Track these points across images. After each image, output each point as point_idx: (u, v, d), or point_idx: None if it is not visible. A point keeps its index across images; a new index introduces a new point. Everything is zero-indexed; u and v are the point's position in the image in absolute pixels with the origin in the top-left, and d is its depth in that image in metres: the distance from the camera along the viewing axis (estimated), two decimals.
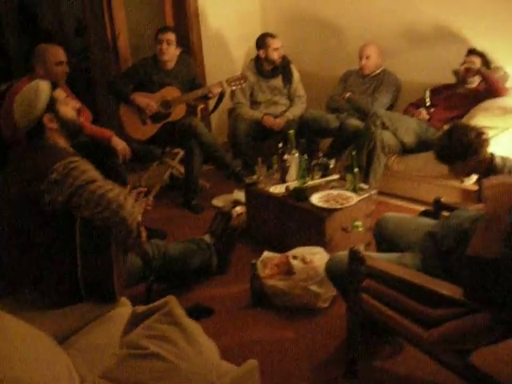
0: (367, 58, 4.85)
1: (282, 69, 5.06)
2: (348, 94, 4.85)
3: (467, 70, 4.33)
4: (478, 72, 4.26)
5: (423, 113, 4.43)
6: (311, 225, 3.49)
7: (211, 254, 3.44)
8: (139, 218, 2.41)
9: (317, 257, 3.11)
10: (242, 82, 4.62)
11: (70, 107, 2.55)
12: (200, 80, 4.86)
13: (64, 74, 4.00)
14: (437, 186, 4.20)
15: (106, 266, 2.40)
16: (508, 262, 1.90)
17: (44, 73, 3.87)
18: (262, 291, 3.17)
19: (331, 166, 3.73)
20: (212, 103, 5.05)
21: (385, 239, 2.82)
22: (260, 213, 3.87)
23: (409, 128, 4.30)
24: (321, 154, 3.84)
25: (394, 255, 2.54)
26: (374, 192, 3.64)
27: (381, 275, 2.33)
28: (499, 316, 1.98)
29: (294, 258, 3.15)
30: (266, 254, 3.31)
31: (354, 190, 3.54)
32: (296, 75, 5.13)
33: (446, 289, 2.10)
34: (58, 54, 3.97)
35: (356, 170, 3.53)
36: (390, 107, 4.88)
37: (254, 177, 3.90)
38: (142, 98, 4.52)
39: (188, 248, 3.33)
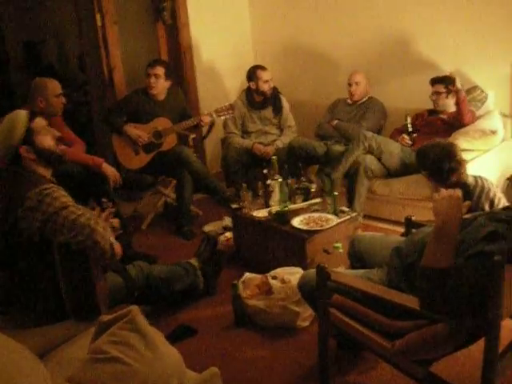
0: (356, 84, 5.01)
1: (272, 100, 5.23)
2: (335, 122, 4.99)
3: (434, 101, 4.50)
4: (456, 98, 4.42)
5: (406, 138, 4.56)
6: (293, 247, 3.59)
7: (197, 277, 3.53)
8: (112, 238, 2.53)
9: (295, 276, 3.19)
10: (230, 111, 4.77)
11: (48, 136, 2.67)
12: (190, 111, 5.01)
13: (62, 105, 4.21)
14: (421, 208, 4.28)
15: (88, 284, 2.54)
16: (458, 271, 1.99)
17: (45, 105, 4.10)
18: (244, 311, 3.26)
19: (312, 190, 3.83)
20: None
21: (357, 258, 2.92)
22: (246, 236, 3.98)
23: (393, 152, 4.43)
24: (303, 179, 3.94)
25: (361, 271, 2.63)
26: (354, 214, 3.73)
27: (345, 289, 2.42)
28: (456, 325, 2.06)
29: (274, 278, 3.25)
30: (247, 274, 3.41)
31: (335, 213, 3.64)
32: (286, 106, 5.28)
33: (404, 300, 2.19)
34: (56, 87, 4.20)
35: (335, 193, 3.64)
36: (377, 134, 5.01)
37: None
38: (133, 130, 4.67)
39: (173, 271, 3.42)
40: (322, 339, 2.59)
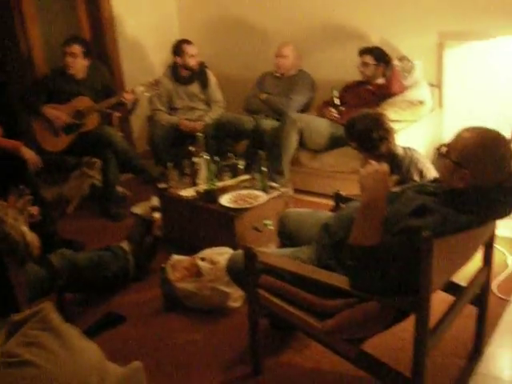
0: (284, 57, 4.92)
1: (199, 75, 5.08)
2: (264, 96, 4.90)
3: (362, 72, 4.47)
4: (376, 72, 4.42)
5: (333, 112, 4.50)
6: (222, 226, 3.50)
7: (127, 261, 3.41)
8: (25, 228, 2.38)
9: (224, 257, 3.10)
10: (155, 87, 4.60)
11: None
12: (114, 88, 4.81)
13: None
14: (351, 180, 4.21)
15: (4, 280, 2.38)
16: (386, 248, 1.94)
17: None
18: (174, 295, 3.16)
19: (240, 167, 3.74)
20: None
21: (287, 235, 2.85)
22: (174, 217, 3.86)
23: (321, 130, 4.40)
24: (232, 155, 3.84)
25: (289, 250, 2.57)
26: (284, 190, 3.67)
27: (274, 270, 2.36)
28: (387, 303, 2.02)
29: (202, 259, 3.16)
30: (175, 257, 3.30)
31: (264, 189, 3.56)
32: (213, 80, 5.15)
33: (333, 279, 2.14)
34: None
35: (264, 169, 3.55)
36: (306, 107, 4.95)
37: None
38: (51, 110, 4.46)
39: (101, 256, 3.28)
40: (252, 321, 2.52)
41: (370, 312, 2.08)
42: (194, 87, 5.07)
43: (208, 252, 3.22)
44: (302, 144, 4.46)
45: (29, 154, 3.94)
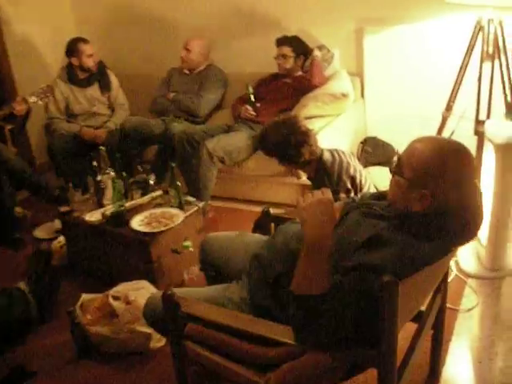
0: (187, 50, 4.49)
1: (99, 76, 4.59)
2: (172, 95, 4.46)
3: (280, 65, 4.13)
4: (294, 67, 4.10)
5: (249, 109, 4.12)
6: (135, 252, 3.08)
7: (28, 304, 2.92)
8: None
9: (141, 293, 2.70)
10: (48, 94, 4.05)
11: None
12: (2, 98, 4.20)
13: None
14: (275, 184, 3.96)
15: None
16: (338, 292, 1.58)
17: None
18: (87, 340, 2.72)
19: (151, 182, 3.31)
20: None
21: (211, 265, 2.46)
22: (80, 245, 3.39)
23: (241, 147, 3.93)
24: (141, 169, 3.41)
25: (218, 288, 2.17)
26: (202, 204, 3.27)
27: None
28: (342, 356, 1.67)
29: (116, 298, 2.72)
30: (84, 296, 2.84)
31: (180, 206, 3.15)
32: (114, 82, 4.67)
33: (274, 332, 1.77)
34: None
35: (178, 183, 3.14)
36: (219, 104, 4.56)
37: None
38: None
39: None
40: (179, 376, 2.12)
41: (321, 363, 1.72)
42: (94, 90, 4.56)
43: (122, 288, 2.78)
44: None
45: None
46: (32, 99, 3.97)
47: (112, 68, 4.75)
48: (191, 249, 3.08)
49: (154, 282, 3.00)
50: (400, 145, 4.07)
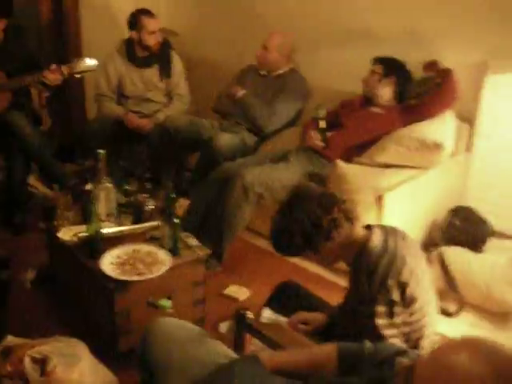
0: (265, 48, 3.70)
1: (160, 58, 3.91)
2: (242, 93, 3.66)
3: (364, 82, 3.29)
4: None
5: (316, 138, 3.27)
6: (100, 295, 2.38)
7: None
8: None
9: (66, 361, 1.98)
10: (89, 68, 3.41)
11: None
12: (40, 60, 3.57)
13: None
14: None
15: None
16: None
17: None
18: None
19: (150, 207, 2.56)
20: None
21: (149, 368, 1.69)
22: (56, 258, 2.77)
23: (287, 184, 2.96)
24: (149, 187, 2.70)
25: None
26: (203, 253, 2.50)
27: None
28: None
29: (34, 359, 2.01)
30: (9, 339, 2.16)
31: (174, 249, 2.39)
32: (178, 67, 3.98)
33: None
34: None
35: (176, 220, 2.38)
36: (294, 120, 3.72)
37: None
38: None
39: None
40: None
41: None
42: (152, 73, 3.90)
43: (48, 347, 2.06)
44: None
45: None
46: (66, 70, 3.36)
47: (180, 50, 4.09)
48: (170, 310, 2.33)
49: (114, 338, 2.31)
50: (499, 225, 3.12)
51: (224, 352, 1.64)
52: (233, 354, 1.63)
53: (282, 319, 2.20)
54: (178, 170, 3.73)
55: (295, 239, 1.81)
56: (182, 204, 3.35)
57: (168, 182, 3.18)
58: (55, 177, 3.49)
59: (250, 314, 1.79)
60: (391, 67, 3.20)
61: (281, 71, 3.74)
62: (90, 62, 3.35)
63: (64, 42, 4.40)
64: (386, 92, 3.23)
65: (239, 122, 3.66)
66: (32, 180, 3.72)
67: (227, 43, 4.47)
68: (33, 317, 2.65)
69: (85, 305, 2.58)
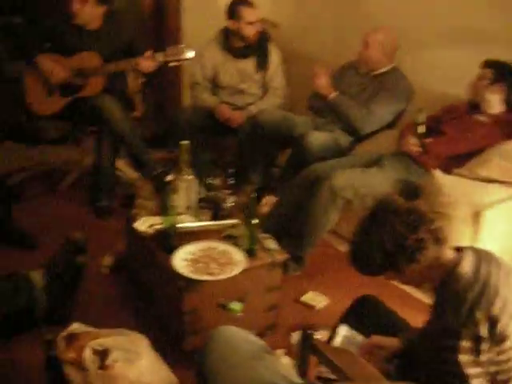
0: (366, 44, 3.49)
1: (257, 49, 3.79)
2: (334, 94, 3.50)
3: (472, 87, 3.03)
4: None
5: (414, 144, 3.04)
6: (170, 292, 2.32)
7: (32, 300, 2.41)
8: None
9: (127, 357, 1.92)
10: (180, 57, 3.36)
11: None
12: (140, 46, 3.53)
13: None
14: None
15: None
16: None
17: None
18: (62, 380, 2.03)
19: (229, 204, 2.47)
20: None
21: (203, 374, 1.60)
22: (132, 247, 2.74)
23: (379, 190, 2.77)
24: (232, 181, 2.61)
25: None
26: (282, 257, 2.38)
27: None
28: None
29: (95, 350, 1.97)
30: (74, 326, 2.14)
31: (250, 250, 2.30)
32: (275, 59, 3.85)
33: None
34: None
35: (255, 220, 2.27)
36: (393, 123, 3.51)
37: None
38: (48, 62, 3.43)
39: None
40: None
41: None
42: (248, 64, 3.79)
43: (111, 340, 2.01)
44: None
45: None
46: (160, 58, 3.34)
47: (279, 41, 3.96)
48: (240, 314, 2.23)
49: (181, 337, 2.25)
50: None
51: (284, 372, 1.52)
52: (293, 377, 1.51)
53: (359, 338, 2.03)
54: (266, 167, 3.62)
55: (375, 258, 1.65)
56: (268, 201, 3.26)
57: (254, 179, 3.09)
58: (142, 164, 3.50)
59: (318, 334, 1.66)
60: (502, 72, 2.94)
61: (382, 70, 3.53)
62: (185, 51, 3.33)
63: (164, 29, 4.38)
64: (494, 99, 2.97)
65: (333, 120, 3.49)
66: (120, 164, 3.74)
67: (328, 38, 4.29)
68: (106, 304, 2.65)
69: (154, 299, 2.54)
